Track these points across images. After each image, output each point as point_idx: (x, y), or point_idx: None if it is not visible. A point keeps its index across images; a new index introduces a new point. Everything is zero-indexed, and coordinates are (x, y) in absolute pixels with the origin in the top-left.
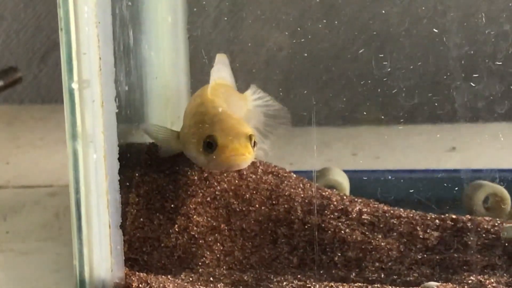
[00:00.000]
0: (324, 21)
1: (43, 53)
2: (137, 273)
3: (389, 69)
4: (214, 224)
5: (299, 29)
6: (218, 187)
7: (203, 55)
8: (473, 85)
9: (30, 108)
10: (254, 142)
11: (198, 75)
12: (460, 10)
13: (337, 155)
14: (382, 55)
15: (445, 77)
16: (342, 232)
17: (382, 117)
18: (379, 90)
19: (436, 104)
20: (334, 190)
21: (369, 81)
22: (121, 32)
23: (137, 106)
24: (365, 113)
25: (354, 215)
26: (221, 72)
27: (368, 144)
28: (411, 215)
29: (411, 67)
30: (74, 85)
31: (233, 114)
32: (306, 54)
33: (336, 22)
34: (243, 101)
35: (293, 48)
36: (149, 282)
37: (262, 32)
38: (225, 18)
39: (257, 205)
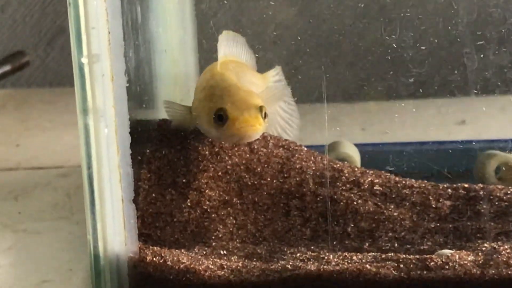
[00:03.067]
0: None
1: (50, 37)
2: (151, 247)
3: (397, 42)
4: (226, 198)
5: (307, 4)
6: (230, 161)
7: (210, 31)
8: (482, 56)
9: (38, 91)
10: (265, 113)
11: (206, 51)
12: None
13: (347, 131)
14: (390, 28)
15: (453, 49)
16: (355, 203)
17: (391, 92)
18: (387, 64)
19: (445, 77)
20: (346, 163)
21: (377, 56)
22: (129, 7)
23: (146, 82)
24: (373, 88)
25: (366, 186)
26: (230, 48)
27: (377, 119)
28: (423, 185)
29: (420, 39)
30: (84, 60)
31: (243, 86)
32: (314, 29)
33: None
34: (261, 80)
35: (301, 24)
36: (163, 255)
37: (270, 7)
38: None
39: (268, 179)
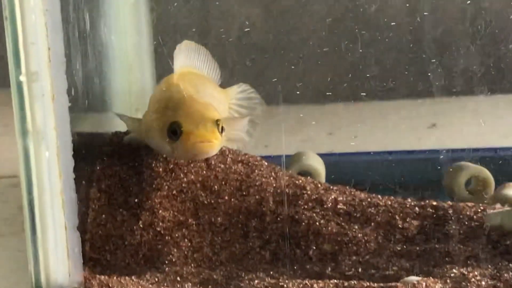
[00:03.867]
0: None
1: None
2: (97, 276)
3: (365, 44)
4: (181, 218)
5: (271, 5)
6: (185, 179)
7: (168, 37)
8: (451, 59)
9: None
10: (222, 127)
11: (165, 58)
12: None
13: (313, 135)
14: (358, 30)
15: (422, 52)
16: (317, 223)
17: (360, 93)
18: (355, 66)
19: (415, 79)
20: (309, 177)
21: (345, 57)
22: (76, 16)
23: (96, 93)
24: (342, 90)
25: (329, 205)
26: (189, 59)
27: (346, 122)
28: (389, 202)
29: (388, 41)
30: (22, 78)
31: (201, 99)
32: (280, 31)
33: None
34: (223, 95)
35: (265, 26)
36: (110, 285)
37: (232, 9)
38: None
39: (226, 197)
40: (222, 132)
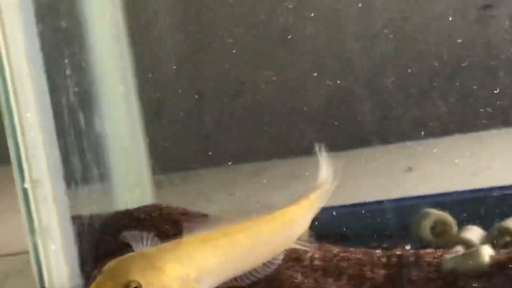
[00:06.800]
0: None
1: None
2: None
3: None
4: None
5: None
6: None
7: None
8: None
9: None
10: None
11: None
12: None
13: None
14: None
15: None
16: (296, 280)
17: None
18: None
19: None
20: None
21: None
22: (70, 120)
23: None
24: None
25: (307, 263)
26: None
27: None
28: (359, 256)
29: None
30: (27, 185)
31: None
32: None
33: None
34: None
35: None
36: None
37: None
38: None
39: None
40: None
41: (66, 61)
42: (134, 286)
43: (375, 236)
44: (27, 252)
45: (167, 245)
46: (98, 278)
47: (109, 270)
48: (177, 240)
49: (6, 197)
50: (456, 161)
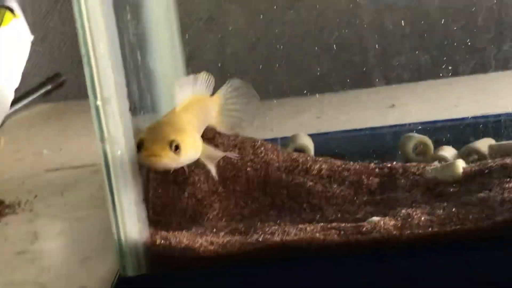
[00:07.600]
0: None
1: (80, 60)
2: (159, 232)
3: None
4: (213, 189)
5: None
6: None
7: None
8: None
9: (74, 104)
10: (176, 146)
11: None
12: None
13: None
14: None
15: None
16: (307, 185)
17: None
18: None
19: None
20: (301, 153)
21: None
22: (130, 53)
23: (148, 106)
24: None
25: (315, 172)
26: (187, 91)
27: (331, 109)
28: (357, 166)
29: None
30: (99, 102)
31: (176, 123)
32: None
33: None
34: (211, 104)
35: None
36: (168, 238)
37: None
38: None
39: (244, 171)
40: (176, 150)
41: (127, 8)
42: (176, 144)
43: (367, 155)
44: (90, 165)
45: (171, 116)
46: (145, 142)
47: (150, 135)
48: (171, 112)
49: (72, 125)
50: (430, 99)
